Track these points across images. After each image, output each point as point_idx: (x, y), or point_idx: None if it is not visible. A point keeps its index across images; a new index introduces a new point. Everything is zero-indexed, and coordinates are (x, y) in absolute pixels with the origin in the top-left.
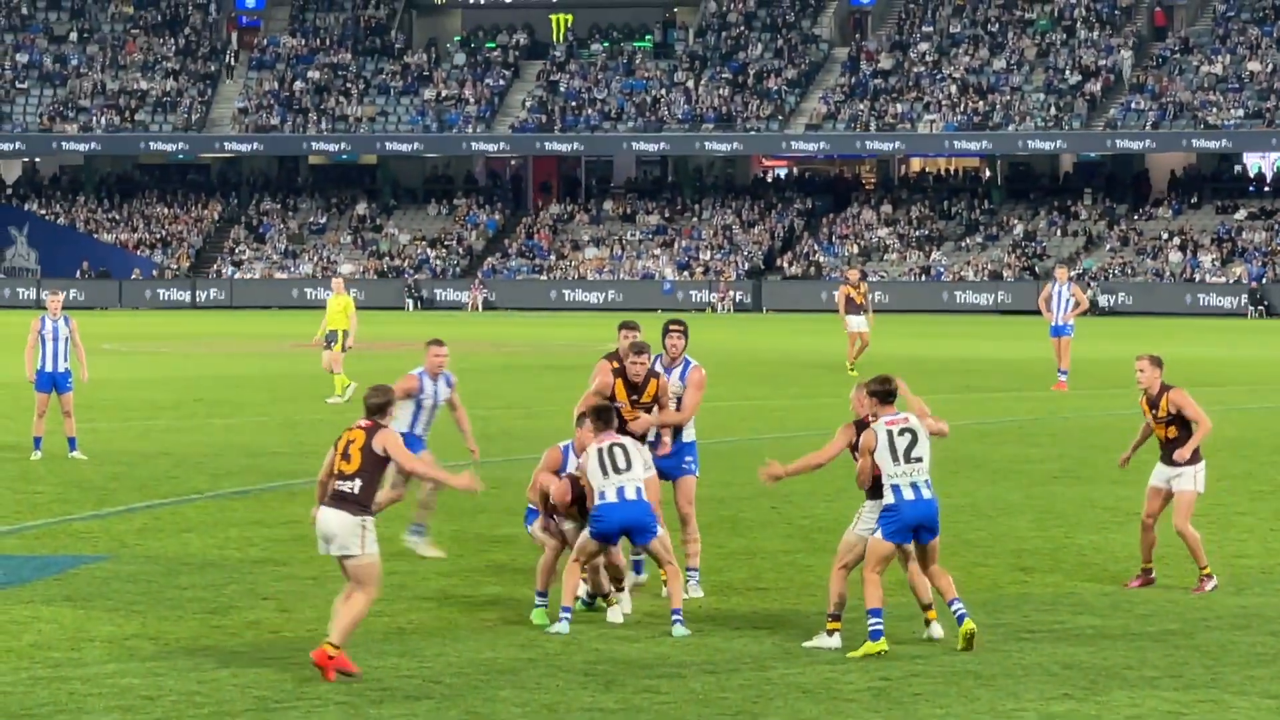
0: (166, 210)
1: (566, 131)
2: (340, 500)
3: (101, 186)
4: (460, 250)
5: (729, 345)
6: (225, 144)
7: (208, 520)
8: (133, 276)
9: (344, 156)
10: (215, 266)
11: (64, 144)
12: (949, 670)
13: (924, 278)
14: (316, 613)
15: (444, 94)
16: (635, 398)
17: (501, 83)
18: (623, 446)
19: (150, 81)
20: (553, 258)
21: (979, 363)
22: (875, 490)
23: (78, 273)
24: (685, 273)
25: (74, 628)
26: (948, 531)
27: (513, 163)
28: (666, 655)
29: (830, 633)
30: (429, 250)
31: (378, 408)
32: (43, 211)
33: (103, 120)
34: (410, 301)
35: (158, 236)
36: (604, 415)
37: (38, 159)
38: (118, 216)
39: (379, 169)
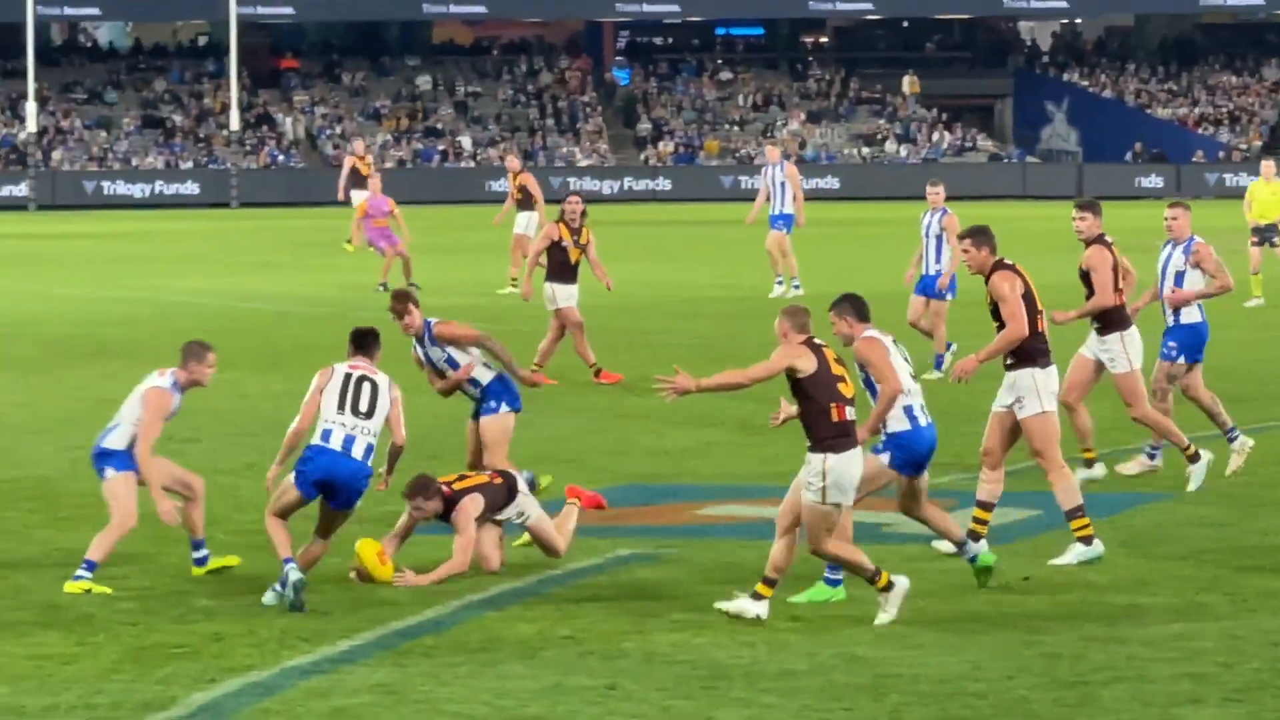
0: (1235, 79)
1: None
2: None
3: (1157, 52)
4: None
5: None
6: None
7: None
8: (1193, 159)
9: None
10: None
11: None
12: None
13: None
14: None
15: None
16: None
17: None
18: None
19: None
20: None
21: None
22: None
23: (1128, 155)
24: None
25: (1133, 579)
26: None
27: None
28: None
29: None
30: None
31: None
32: (1085, 83)
33: None
34: None
35: (1224, 111)
36: None
37: (1078, 20)
38: (1175, 88)
39: None
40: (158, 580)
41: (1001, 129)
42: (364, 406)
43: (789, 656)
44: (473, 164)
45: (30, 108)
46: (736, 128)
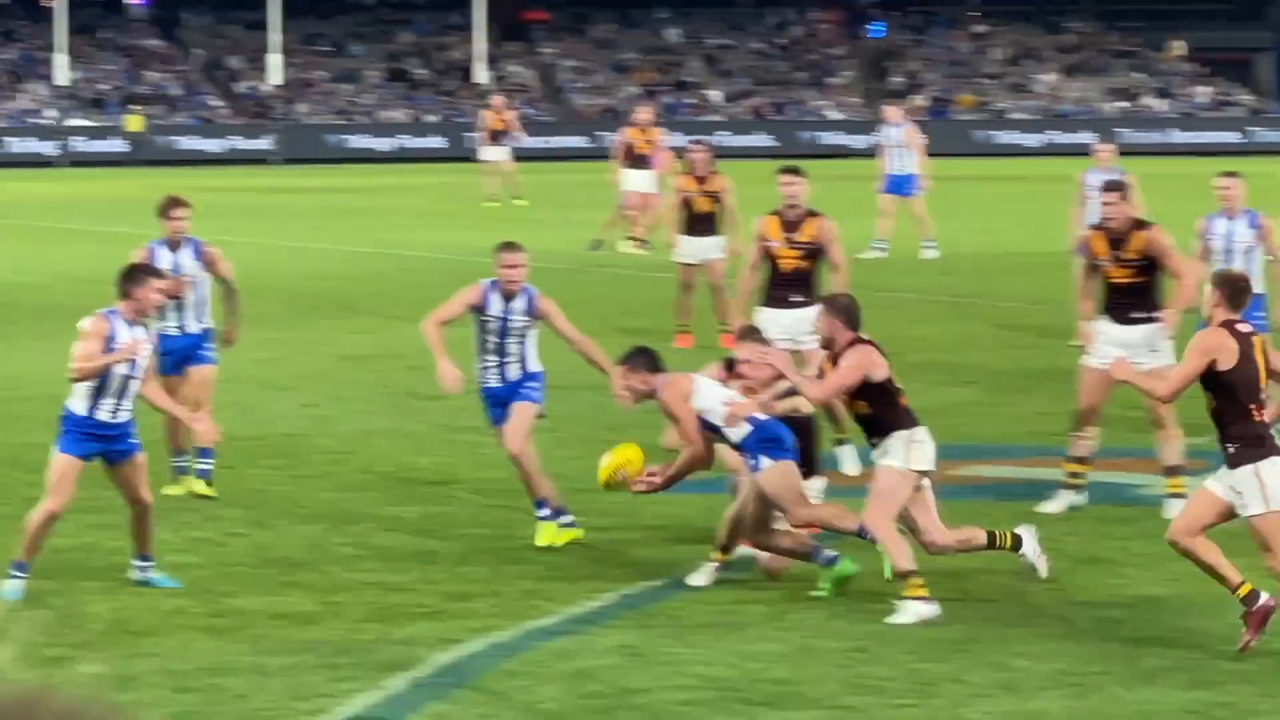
0: None
1: None
2: None
3: None
4: None
5: None
6: None
7: None
8: None
9: None
10: None
11: None
12: None
13: None
14: None
15: None
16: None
17: None
18: None
19: None
20: None
21: None
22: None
23: None
24: None
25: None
26: None
27: None
28: None
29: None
30: None
31: None
32: None
33: None
34: None
35: None
36: None
37: None
38: None
39: None
40: (399, 539)
41: (1261, 82)
42: None
43: (1041, 620)
44: (723, 118)
45: (274, 60)
46: (990, 81)
